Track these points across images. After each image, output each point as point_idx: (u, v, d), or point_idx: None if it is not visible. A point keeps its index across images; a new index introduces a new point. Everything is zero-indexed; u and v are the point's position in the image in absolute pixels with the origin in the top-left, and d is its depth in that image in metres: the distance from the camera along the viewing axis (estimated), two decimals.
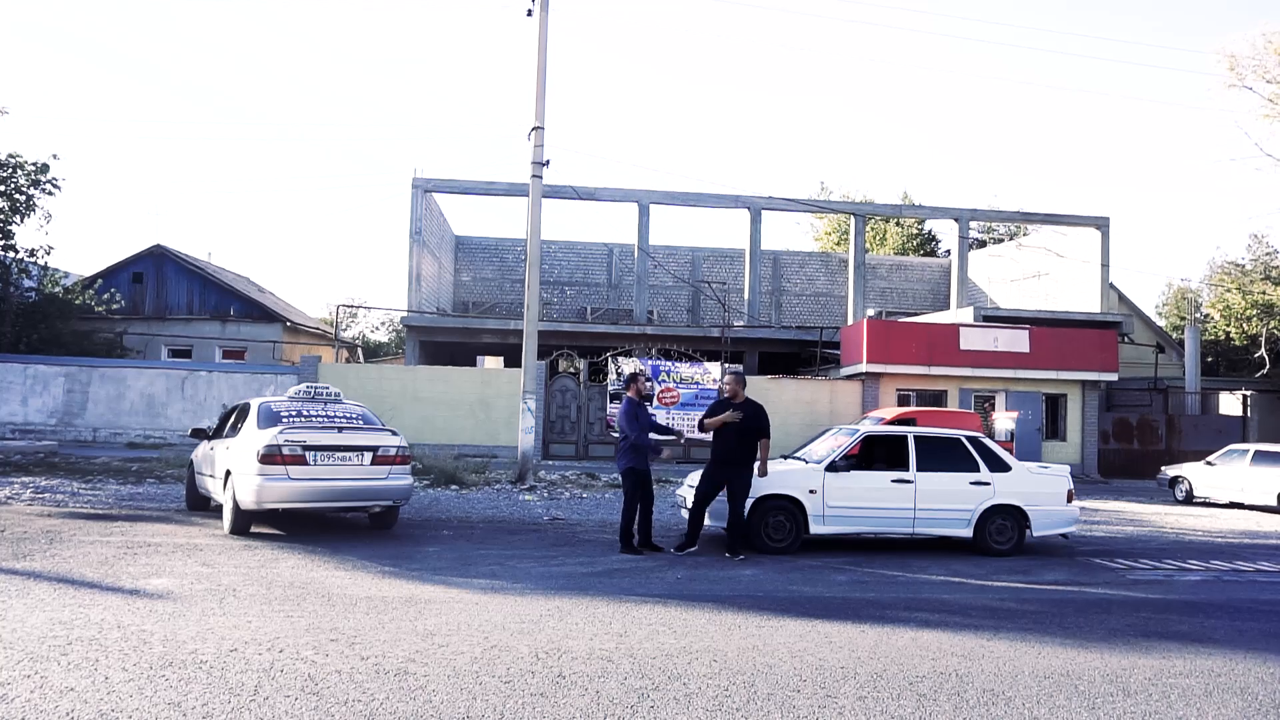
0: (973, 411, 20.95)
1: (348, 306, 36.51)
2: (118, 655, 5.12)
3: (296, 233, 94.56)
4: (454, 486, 14.90)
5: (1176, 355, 32.50)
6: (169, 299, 29.31)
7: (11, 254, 23.37)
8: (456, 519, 11.61)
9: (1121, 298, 33.28)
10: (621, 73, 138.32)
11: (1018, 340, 22.59)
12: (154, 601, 6.44)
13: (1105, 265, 29.11)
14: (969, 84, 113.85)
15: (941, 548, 10.43)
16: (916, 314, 30.08)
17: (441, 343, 27.21)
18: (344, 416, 10.11)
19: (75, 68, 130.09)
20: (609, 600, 7.03)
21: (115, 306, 26.40)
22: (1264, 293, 31.07)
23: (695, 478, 10.35)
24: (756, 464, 9.28)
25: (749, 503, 9.57)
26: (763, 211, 28.87)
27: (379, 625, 6.01)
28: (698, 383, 22.13)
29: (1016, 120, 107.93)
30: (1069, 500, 10.36)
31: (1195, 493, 18.00)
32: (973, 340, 22.44)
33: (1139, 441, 24.88)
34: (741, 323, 28.77)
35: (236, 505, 9.35)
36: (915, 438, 10.25)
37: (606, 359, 22.28)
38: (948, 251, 44.90)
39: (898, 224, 47.65)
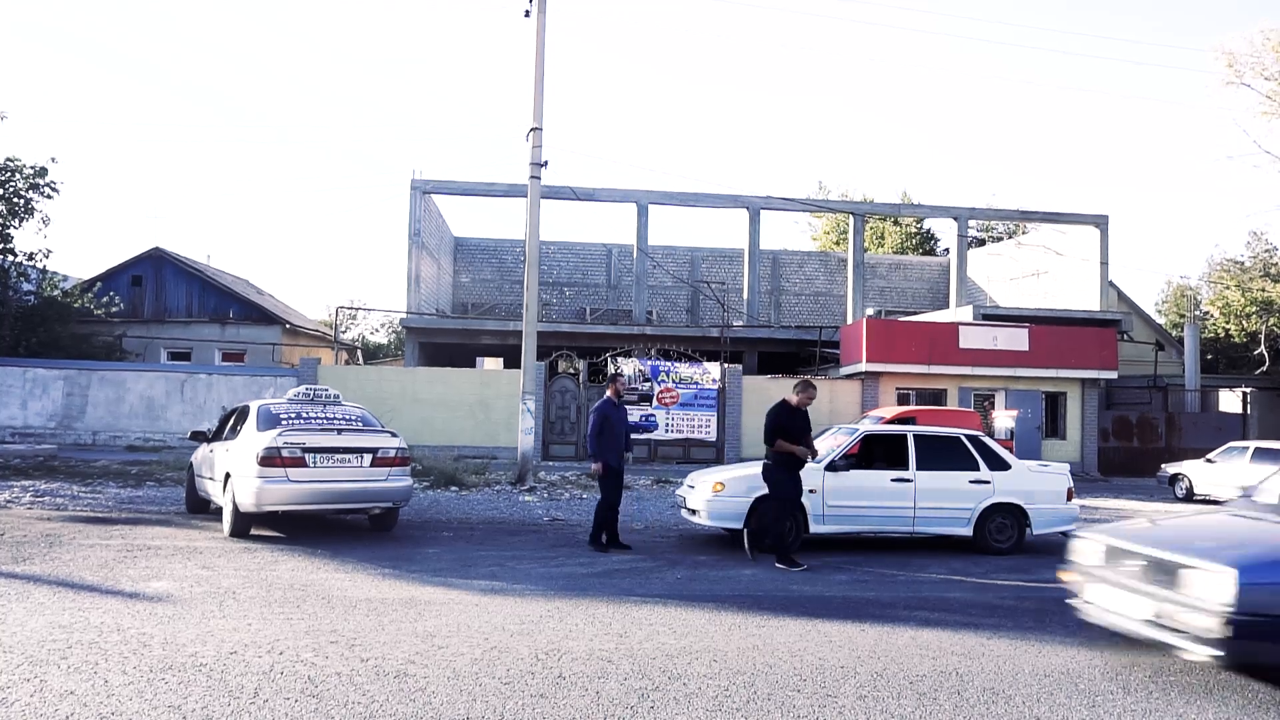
0: (972, 410, 20.95)
1: (347, 308, 36.52)
2: (117, 658, 5.12)
3: (296, 234, 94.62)
4: (454, 488, 14.90)
5: (1176, 353, 32.51)
6: (168, 301, 29.30)
7: (10, 257, 23.36)
8: (456, 520, 11.61)
9: (1121, 296, 33.30)
10: (620, 73, 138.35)
11: (1017, 339, 22.60)
12: (154, 604, 6.44)
13: (1104, 263, 29.12)
14: (967, 83, 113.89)
15: (941, 546, 10.43)
16: (916, 313, 30.09)
17: (441, 344, 27.22)
18: (343, 418, 10.12)
19: (75, 68, 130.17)
20: (609, 601, 7.03)
21: (114, 309, 26.39)
22: (1263, 290, 31.10)
23: (696, 478, 10.36)
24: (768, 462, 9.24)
25: (748, 503, 9.59)
26: (761, 211, 28.88)
27: (379, 627, 6.01)
28: (697, 383, 22.13)
29: (1015, 119, 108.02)
30: (1069, 498, 10.36)
31: (1195, 490, 18.00)
32: (972, 339, 22.44)
33: (1139, 439, 24.89)
34: (741, 322, 28.79)
35: (236, 508, 9.35)
36: (915, 437, 10.25)
37: (606, 359, 22.27)
38: (947, 250, 44.93)
39: (896, 223, 47.68)
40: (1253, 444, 17.82)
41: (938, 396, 22.70)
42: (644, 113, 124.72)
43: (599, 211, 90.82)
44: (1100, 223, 29.34)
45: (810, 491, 9.73)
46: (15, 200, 23.04)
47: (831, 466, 9.84)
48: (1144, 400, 27.30)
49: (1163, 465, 19.78)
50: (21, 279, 23.87)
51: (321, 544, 9.34)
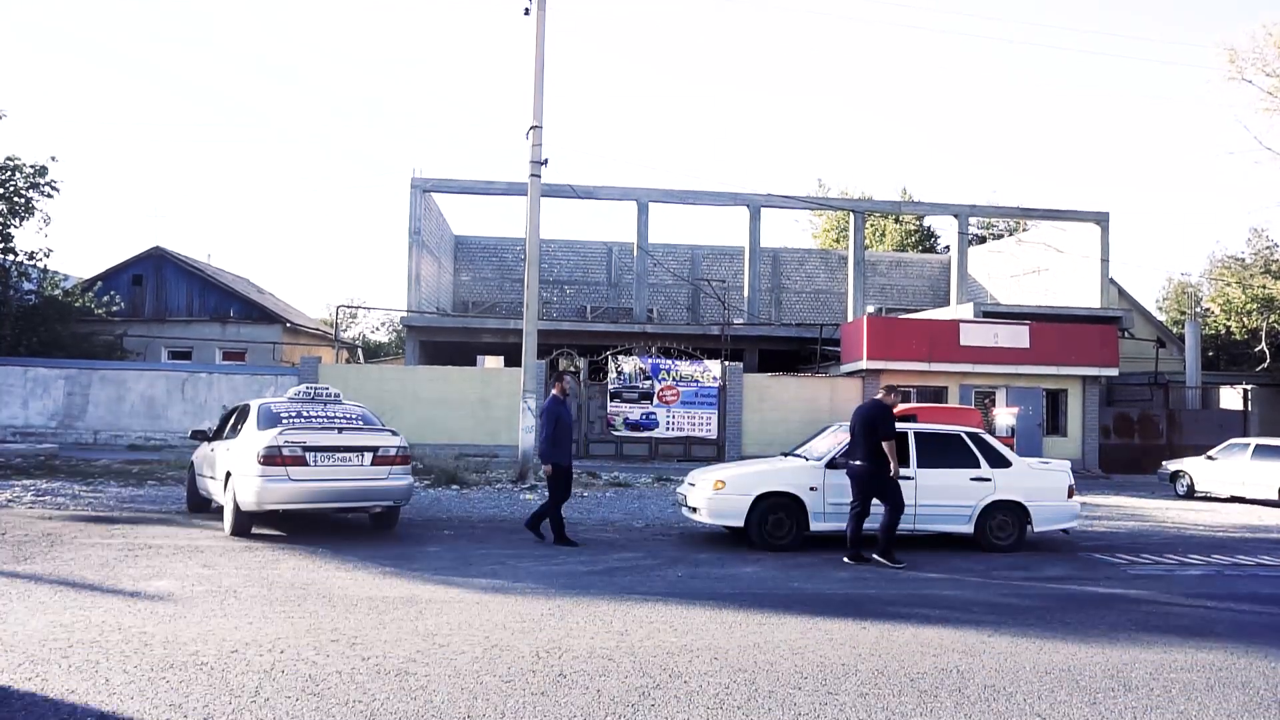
0: (973, 407, 20.95)
1: (347, 307, 36.52)
2: (119, 657, 5.12)
3: (296, 233, 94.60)
4: (455, 486, 14.90)
5: (1177, 350, 32.50)
6: (169, 301, 29.30)
7: (11, 257, 23.36)
8: (457, 519, 11.61)
9: (1121, 293, 33.28)
10: (620, 71, 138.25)
11: (1018, 336, 22.58)
12: (155, 603, 6.44)
13: (1105, 260, 29.08)
14: (967, 80, 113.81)
15: (942, 544, 10.42)
16: (916, 310, 30.05)
17: (441, 343, 27.21)
18: (344, 417, 10.11)
19: (75, 68, 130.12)
20: (609, 599, 7.03)
21: (115, 309, 26.39)
22: (1264, 287, 31.07)
23: (697, 476, 10.35)
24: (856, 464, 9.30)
25: (749, 501, 9.60)
26: (762, 209, 28.86)
27: (380, 625, 6.01)
28: (697, 381, 22.12)
29: (1015, 115, 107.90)
30: (1070, 496, 10.36)
31: (1196, 487, 18.00)
32: (973, 336, 22.43)
33: (1140, 436, 24.88)
34: (741, 320, 28.77)
35: (237, 506, 9.35)
36: (916, 434, 10.24)
37: (606, 358, 22.27)
38: (947, 248, 44.89)
39: (897, 220, 47.63)
40: (1254, 441, 17.80)
41: (938, 394, 22.69)
42: (644, 111, 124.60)
43: (599, 209, 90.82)
44: (1101, 220, 29.30)
45: (811, 489, 9.74)
46: (16, 199, 23.03)
47: (832, 464, 9.83)
48: (1145, 397, 27.29)
49: (1164, 462, 19.77)
50: (22, 278, 23.87)
51: (322, 543, 9.34)
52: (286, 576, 7.54)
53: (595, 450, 21.67)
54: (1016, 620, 6.74)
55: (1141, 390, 27.45)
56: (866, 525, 9.98)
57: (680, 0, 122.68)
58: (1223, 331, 35.07)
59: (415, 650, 5.44)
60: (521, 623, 6.19)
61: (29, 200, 23.24)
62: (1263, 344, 31.66)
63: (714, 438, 22.01)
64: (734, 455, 21.42)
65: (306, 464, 9.30)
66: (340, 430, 9.76)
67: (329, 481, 9.42)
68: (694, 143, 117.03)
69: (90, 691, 4.53)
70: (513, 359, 25.59)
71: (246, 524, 9.53)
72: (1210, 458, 18.07)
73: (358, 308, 34.46)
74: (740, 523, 9.69)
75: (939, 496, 9.93)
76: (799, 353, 27.63)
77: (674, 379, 22.05)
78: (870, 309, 28.31)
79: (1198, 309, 35.62)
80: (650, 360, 22.24)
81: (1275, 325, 31.66)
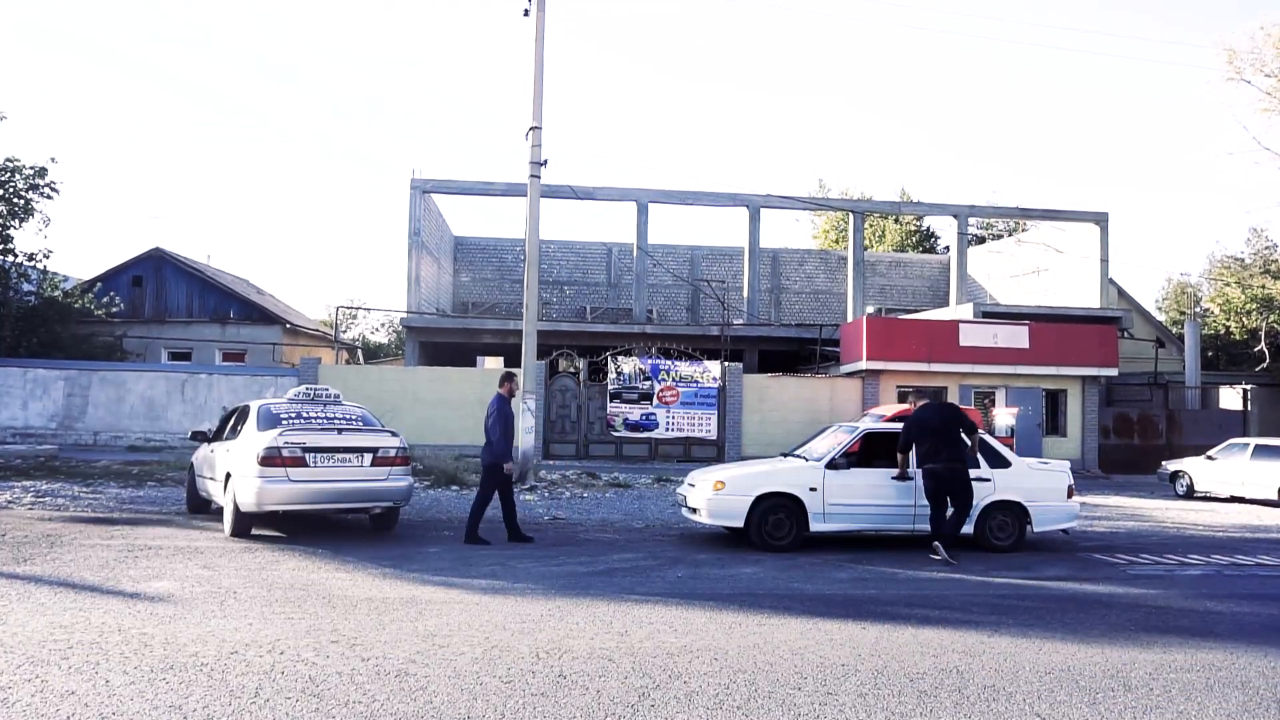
0: (973, 408, 20.95)
1: (347, 308, 36.53)
2: (119, 658, 5.12)
3: (296, 234, 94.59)
4: (454, 487, 14.90)
5: (1176, 350, 32.50)
6: (168, 302, 29.30)
7: (10, 258, 23.33)
8: (457, 520, 11.60)
9: (1121, 293, 33.27)
10: (620, 72, 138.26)
11: (1017, 336, 22.58)
12: (155, 604, 6.44)
13: (1104, 260, 29.09)
14: (967, 80, 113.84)
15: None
16: (916, 311, 30.06)
17: (441, 343, 27.20)
18: (344, 418, 10.11)
19: (75, 68, 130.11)
20: (610, 599, 7.03)
21: (115, 310, 26.38)
22: (1263, 287, 31.07)
23: (697, 476, 10.35)
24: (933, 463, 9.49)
25: (749, 501, 9.60)
26: (761, 209, 28.86)
27: (380, 626, 6.01)
28: (697, 381, 22.12)
29: (1014, 116, 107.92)
30: (1069, 496, 10.36)
31: (1196, 487, 18.00)
32: (972, 337, 22.43)
33: (1139, 437, 24.87)
34: (741, 321, 28.77)
35: (237, 507, 9.35)
36: None
37: (606, 358, 22.27)
38: (947, 248, 44.90)
39: (896, 221, 47.64)
40: (1253, 441, 17.80)
41: (938, 394, 22.60)
42: (644, 112, 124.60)
43: (599, 210, 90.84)
44: (1100, 220, 29.30)
45: (811, 490, 9.74)
46: (15, 200, 23.00)
47: (832, 465, 9.84)
48: (1144, 397, 27.29)
49: (1163, 462, 19.77)
50: (22, 279, 23.85)
51: (322, 543, 9.34)
52: (286, 577, 7.54)
53: (595, 451, 21.67)
54: (1016, 620, 6.74)
55: (1141, 390, 27.45)
56: (870, 527, 10.02)
57: (681, 2, 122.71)
58: (1222, 332, 35.06)
59: (415, 651, 5.44)
60: (521, 623, 6.19)
61: (29, 202, 23.22)
62: (1262, 344, 31.65)
63: (714, 438, 22.01)
64: (734, 456, 21.42)
65: (306, 465, 9.30)
66: (340, 431, 9.76)
67: (329, 482, 9.42)
68: (693, 143, 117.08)
69: (90, 692, 4.53)
70: (512, 360, 25.59)
71: (246, 525, 9.53)
72: (1210, 458, 18.07)
73: (357, 308, 34.54)
74: (740, 523, 9.69)
75: None
76: (799, 353, 27.63)
77: (674, 380, 22.05)
78: (870, 309, 28.32)
79: (1197, 309, 35.63)
80: (650, 361, 22.24)
81: (1275, 325, 31.65)
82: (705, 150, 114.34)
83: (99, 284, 27.83)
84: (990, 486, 10.05)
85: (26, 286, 24.41)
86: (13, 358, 22.38)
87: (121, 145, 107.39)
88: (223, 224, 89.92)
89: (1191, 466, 18.31)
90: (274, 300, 35.13)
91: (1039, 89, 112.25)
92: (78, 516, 10.81)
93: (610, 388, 21.87)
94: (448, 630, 5.95)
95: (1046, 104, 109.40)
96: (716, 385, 22.14)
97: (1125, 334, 26.51)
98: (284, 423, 9.63)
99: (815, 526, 9.71)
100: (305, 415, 9.93)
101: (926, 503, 9.79)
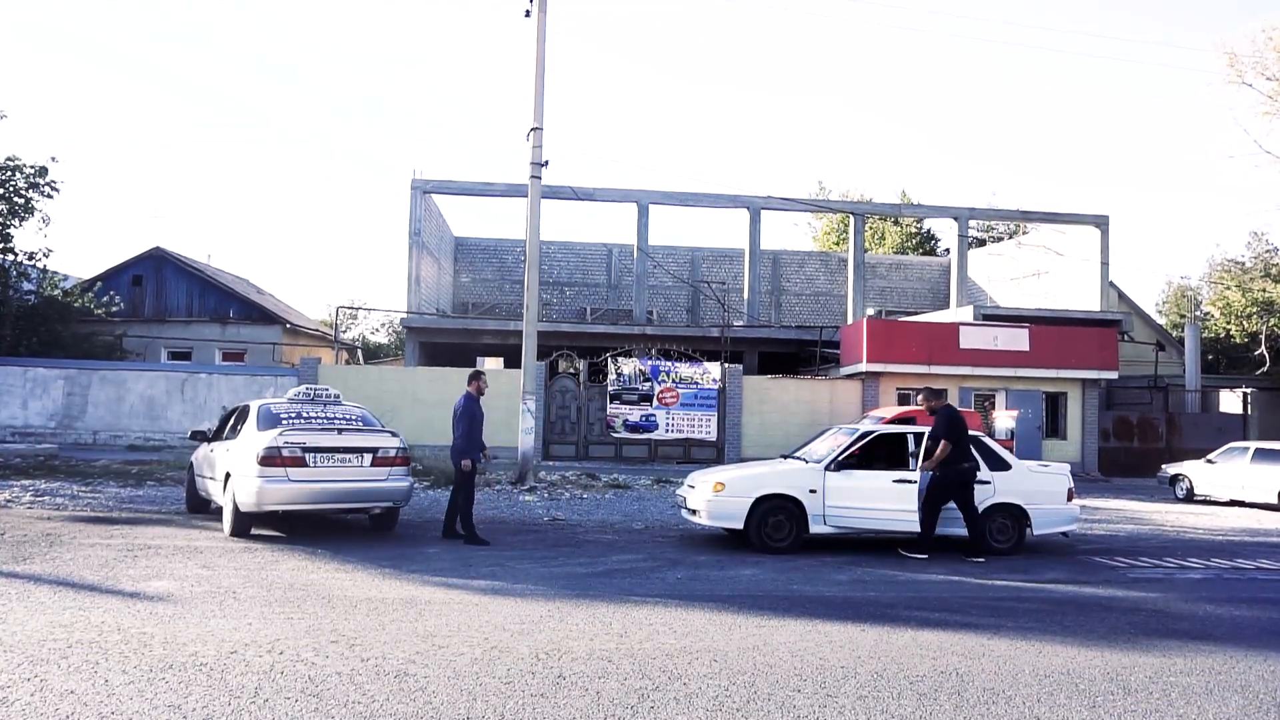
0: (973, 410, 20.94)
1: (347, 308, 36.53)
2: (118, 658, 5.12)
3: (296, 234, 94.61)
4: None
5: (1176, 353, 32.50)
6: (168, 301, 29.30)
7: (10, 257, 23.34)
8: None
9: (1121, 296, 33.27)
10: (620, 73, 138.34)
11: (1017, 339, 22.59)
12: (154, 604, 6.44)
13: (1105, 263, 29.10)
14: (967, 82, 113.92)
15: (941, 546, 10.41)
16: (916, 313, 30.06)
17: (441, 344, 27.20)
18: (343, 418, 10.11)
19: (75, 68, 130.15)
20: (609, 601, 7.03)
21: (115, 309, 26.38)
22: (1264, 290, 31.07)
23: (696, 478, 10.34)
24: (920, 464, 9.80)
25: (748, 503, 9.60)
26: (762, 211, 28.87)
27: (379, 627, 6.01)
28: (697, 383, 22.12)
29: (1015, 118, 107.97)
30: (1069, 499, 10.36)
31: (1195, 490, 18.00)
32: (972, 339, 22.43)
33: (1139, 439, 24.87)
34: (741, 322, 28.77)
35: (236, 507, 9.35)
36: (915, 437, 10.25)
37: (606, 359, 22.26)
38: (947, 250, 44.90)
39: (897, 223, 47.65)
40: (1253, 444, 17.80)
41: (938, 397, 22.64)
42: (644, 112, 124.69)
43: (599, 211, 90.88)
44: (1100, 223, 29.32)
45: (811, 492, 9.74)
46: (15, 199, 23.01)
47: (832, 466, 9.83)
48: (1144, 400, 27.29)
49: (1163, 465, 19.76)
50: (22, 278, 23.85)
51: (322, 543, 9.33)
52: (286, 577, 7.54)
53: (595, 452, 21.67)
54: (1016, 623, 6.74)
55: (1141, 393, 27.45)
56: (870, 529, 10.01)
57: (681, 2, 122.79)
58: (1222, 335, 35.08)
59: (414, 651, 5.44)
60: (521, 624, 6.19)
61: (29, 200, 23.23)
62: (1262, 348, 31.66)
63: (713, 440, 22.01)
64: (733, 457, 21.41)
65: (306, 465, 9.30)
66: (340, 431, 9.76)
67: (328, 482, 9.42)
68: (694, 145, 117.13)
69: (89, 692, 4.53)
70: (512, 360, 25.58)
71: (246, 525, 9.53)
72: (1210, 461, 18.07)
73: (358, 309, 34.52)
74: (740, 525, 9.69)
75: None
76: (799, 355, 27.63)
77: (673, 381, 22.04)
78: (870, 311, 28.31)
79: (1197, 312, 35.63)
80: (650, 362, 22.23)
81: (1275, 329, 31.65)
82: (706, 152, 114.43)
83: (99, 283, 27.82)
84: (990, 489, 10.05)
85: (27, 285, 24.42)
86: (12, 357, 22.37)
87: (122, 145, 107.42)
88: (223, 224, 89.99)
89: (1191, 470, 18.31)
90: (274, 300, 35.13)
91: (1039, 91, 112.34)
92: (77, 515, 10.81)
93: (610, 389, 21.87)
94: (447, 631, 5.95)
95: (1047, 106, 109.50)
96: (716, 387, 22.13)
97: (1125, 337, 26.50)
98: (284, 422, 9.63)
99: (815, 528, 9.70)
100: (305, 415, 9.93)
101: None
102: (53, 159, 23.50)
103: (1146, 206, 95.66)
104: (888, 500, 9.83)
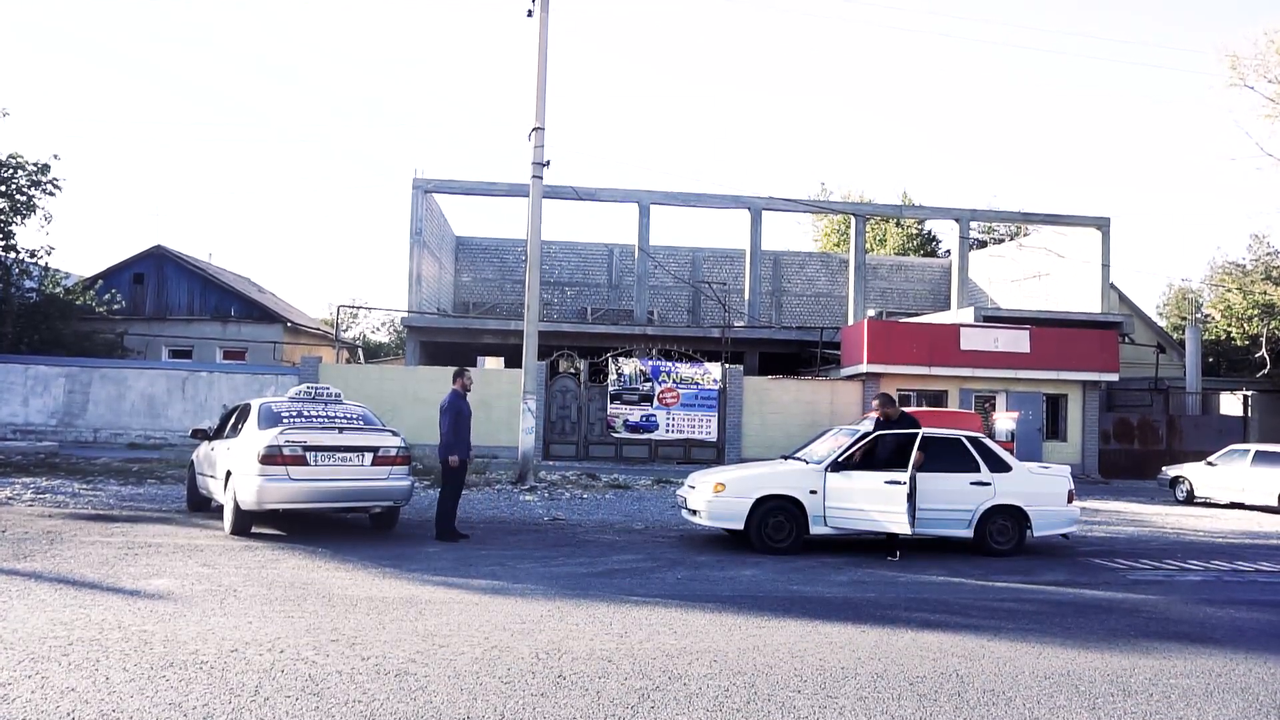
0: (973, 412, 20.95)
1: (348, 307, 36.52)
2: (118, 656, 5.12)
3: (297, 233, 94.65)
4: None
5: (1177, 355, 32.48)
6: (169, 299, 29.32)
7: (12, 254, 23.37)
8: (457, 520, 11.59)
9: (1122, 298, 33.26)
10: (621, 73, 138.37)
11: (1018, 340, 22.59)
12: (155, 602, 6.44)
13: (1106, 265, 29.09)
14: (968, 83, 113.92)
15: (942, 548, 10.43)
16: (917, 314, 30.06)
17: (442, 343, 27.21)
18: (344, 417, 10.12)
19: (75, 68, 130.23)
20: (609, 601, 7.03)
21: (116, 307, 26.40)
22: (1265, 293, 31.04)
23: (697, 478, 10.35)
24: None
25: (749, 503, 9.61)
26: (763, 212, 28.87)
27: (379, 626, 6.01)
28: (697, 383, 22.12)
29: (1016, 119, 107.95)
30: (1069, 500, 10.36)
31: (1196, 493, 17.99)
32: (973, 340, 22.44)
33: (1140, 442, 24.87)
34: (742, 323, 28.77)
35: (237, 506, 9.35)
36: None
37: (607, 359, 22.27)
38: (948, 252, 44.89)
39: (898, 224, 47.63)
40: (1254, 447, 17.80)
41: (938, 398, 22.69)
42: (645, 113, 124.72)
43: (601, 211, 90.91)
44: (1101, 225, 29.32)
45: (811, 492, 9.74)
46: (18, 197, 23.03)
47: (832, 467, 9.83)
48: (1145, 403, 27.29)
49: (1164, 468, 19.76)
50: (24, 276, 23.88)
51: (322, 542, 9.34)
52: (286, 576, 7.54)
53: (595, 452, 21.67)
54: (1016, 625, 6.74)
55: (1142, 395, 27.45)
56: (870, 530, 10.02)
57: (682, 2, 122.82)
58: (1223, 337, 35.06)
59: (415, 651, 5.44)
60: (521, 624, 6.19)
61: (31, 198, 23.25)
62: (1263, 350, 31.62)
63: (714, 440, 22.01)
64: (734, 458, 21.41)
65: (307, 463, 9.30)
66: (341, 430, 9.77)
67: (329, 481, 9.43)
68: (695, 145, 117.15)
69: (90, 689, 4.53)
70: (513, 360, 25.60)
71: (246, 523, 9.54)
72: (1210, 463, 18.07)
73: (358, 308, 34.41)
74: (740, 525, 9.69)
75: (939, 501, 9.91)
76: (799, 356, 27.63)
77: (674, 381, 22.05)
78: (871, 312, 28.30)
79: (1198, 315, 35.59)
80: (650, 362, 22.24)
81: (1276, 331, 31.63)
82: (707, 152, 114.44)
83: (100, 281, 27.86)
84: (990, 491, 10.05)
85: (28, 283, 24.45)
86: (14, 354, 22.39)
87: (122, 144, 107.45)
88: (224, 223, 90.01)
89: (1192, 472, 18.31)
90: (275, 299, 35.15)
91: (1041, 93, 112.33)
92: (78, 513, 10.81)
93: (611, 389, 21.88)
94: (447, 630, 5.95)
95: (1048, 108, 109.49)
96: (717, 387, 22.14)
97: (1126, 339, 26.50)
98: (285, 421, 9.63)
99: (815, 529, 9.71)
100: (306, 414, 9.94)
101: (925, 506, 9.78)
102: (55, 156, 23.54)
103: (1147, 209, 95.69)
104: (888, 501, 9.82)
